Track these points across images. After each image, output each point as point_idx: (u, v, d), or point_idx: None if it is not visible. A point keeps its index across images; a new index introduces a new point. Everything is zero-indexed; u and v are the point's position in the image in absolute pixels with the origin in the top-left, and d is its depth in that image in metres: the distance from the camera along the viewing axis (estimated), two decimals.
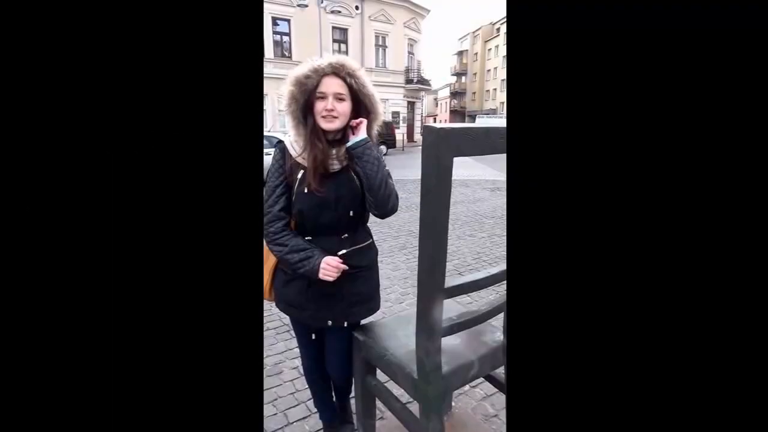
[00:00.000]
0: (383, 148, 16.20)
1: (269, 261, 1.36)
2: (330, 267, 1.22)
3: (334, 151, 1.23)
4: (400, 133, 20.63)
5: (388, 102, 22.05)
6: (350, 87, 1.20)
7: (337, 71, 1.18)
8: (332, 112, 1.19)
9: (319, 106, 1.19)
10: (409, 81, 23.26)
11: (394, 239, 4.56)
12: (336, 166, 1.24)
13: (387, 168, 1.26)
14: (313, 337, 1.44)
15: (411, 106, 24.71)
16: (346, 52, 19.95)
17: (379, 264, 1.45)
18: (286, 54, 18.40)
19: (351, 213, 1.27)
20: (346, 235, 1.29)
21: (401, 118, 23.38)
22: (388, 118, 21.29)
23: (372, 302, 1.42)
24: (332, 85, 1.18)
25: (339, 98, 1.19)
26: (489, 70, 47.11)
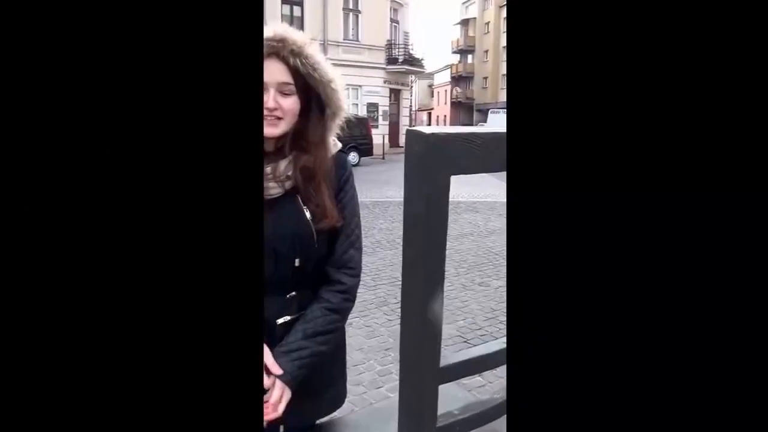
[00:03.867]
0: (354, 156, 15.59)
1: None
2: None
3: (269, 169, 1.16)
4: (379, 135, 20.19)
5: (362, 89, 22.02)
6: (296, 71, 1.13)
7: (277, 51, 1.12)
8: (274, 111, 1.13)
9: None
10: (392, 60, 23.52)
11: (370, 290, 4.53)
12: (275, 189, 1.17)
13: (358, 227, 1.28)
14: None
15: (396, 95, 24.88)
16: (301, 20, 19.90)
17: (348, 328, 1.43)
18: None
19: (297, 262, 1.21)
20: (293, 293, 1.24)
21: (381, 112, 23.37)
22: (361, 112, 21.14)
23: (331, 393, 1.39)
24: (273, 72, 1.12)
25: (283, 91, 1.14)
26: (506, 47, 47.60)
